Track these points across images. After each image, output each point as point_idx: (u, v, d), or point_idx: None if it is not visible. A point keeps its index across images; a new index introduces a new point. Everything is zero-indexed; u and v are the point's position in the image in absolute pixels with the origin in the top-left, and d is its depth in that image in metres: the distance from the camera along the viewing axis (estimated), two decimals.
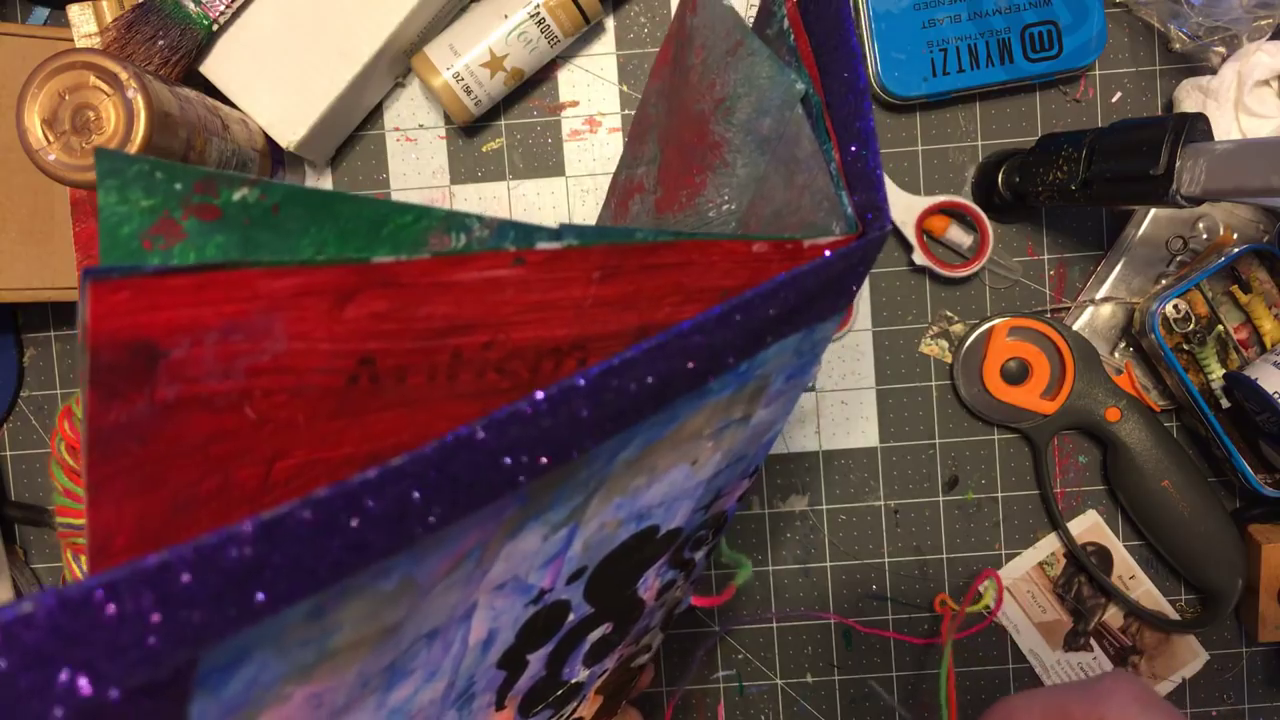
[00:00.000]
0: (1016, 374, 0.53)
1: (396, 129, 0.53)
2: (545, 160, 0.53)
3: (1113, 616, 0.55)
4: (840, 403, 0.54)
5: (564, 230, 0.19)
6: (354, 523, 0.14)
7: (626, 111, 0.53)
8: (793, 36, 0.27)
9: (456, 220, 0.19)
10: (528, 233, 0.19)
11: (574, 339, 0.21)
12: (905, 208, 0.52)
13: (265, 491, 0.18)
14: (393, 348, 0.18)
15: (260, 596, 0.14)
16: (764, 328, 0.22)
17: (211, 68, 0.47)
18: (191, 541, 0.13)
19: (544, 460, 0.18)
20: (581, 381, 0.17)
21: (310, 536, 0.14)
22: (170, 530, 0.16)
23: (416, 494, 0.15)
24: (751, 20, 0.33)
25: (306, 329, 0.16)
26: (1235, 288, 0.50)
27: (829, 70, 0.27)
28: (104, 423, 0.14)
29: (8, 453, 0.55)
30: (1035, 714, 0.28)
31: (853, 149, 0.24)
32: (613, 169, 0.53)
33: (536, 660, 0.29)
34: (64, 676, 0.12)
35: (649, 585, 0.32)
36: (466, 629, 0.23)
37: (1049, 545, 0.55)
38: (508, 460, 0.17)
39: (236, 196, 0.16)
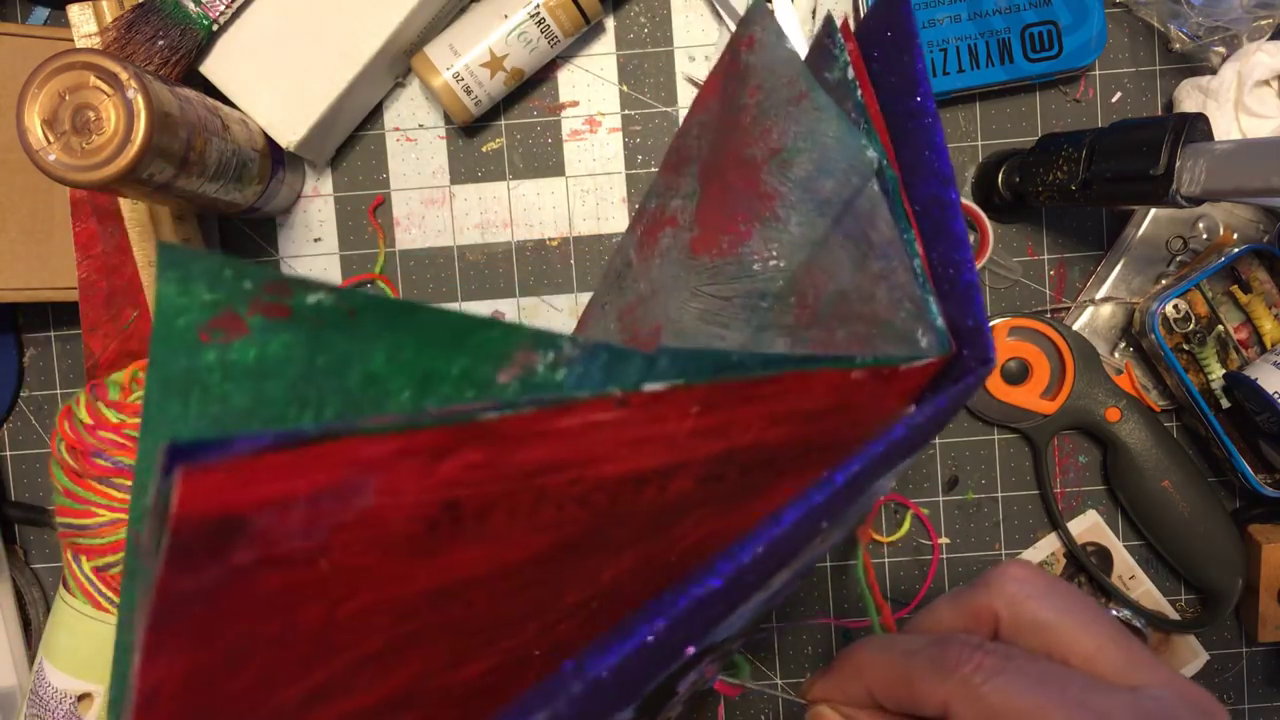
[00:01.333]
0: (1016, 374, 0.53)
1: (396, 129, 0.53)
2: (545, 160, 0.53)
3: None
4: None
5: (659, 356, 0.18)
6: None
7: (626, 111, 0.53)
8: (859, 90, 0.25)
9: (545, 339, 0.18)
10: (620, 357, 0.18)
11: (661, 468, 0.20)
12: None
13: (326, 631, 0.17)
14: (481, 493, 0.17)
15: None
16: (864, 488, 0.21)
17: (211, 68, 0.47)
18: None
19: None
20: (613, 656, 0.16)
21: None
22: (222, 675, 0.16)
23: None
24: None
25: (397, 485, 0.15)
26: (1235, 288, 0.50)
27: (903, 140, 0.24)
28: (173, 591, 0.13)
29: (8, 453, 0.55)
30: (880, 667, 0.26)
31: (941, 249, 0.22)
32: (613, 169, 0.53)
33: None
34: None
35: (688, 681, 0.32)
36: None
37: (1049, 545, 0.55)
38: None
39: (311, 300, 0.16)
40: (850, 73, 0.25)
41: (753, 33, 0.29)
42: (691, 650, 0.18)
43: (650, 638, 0.16)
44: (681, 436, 0.19)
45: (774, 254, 0.29)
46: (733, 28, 0.52)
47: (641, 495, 0.20)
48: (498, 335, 0.18)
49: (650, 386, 0.17)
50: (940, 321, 0.22)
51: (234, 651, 0.16)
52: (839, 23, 0.26)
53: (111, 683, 0.21)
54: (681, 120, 0.53)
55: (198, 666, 0.15)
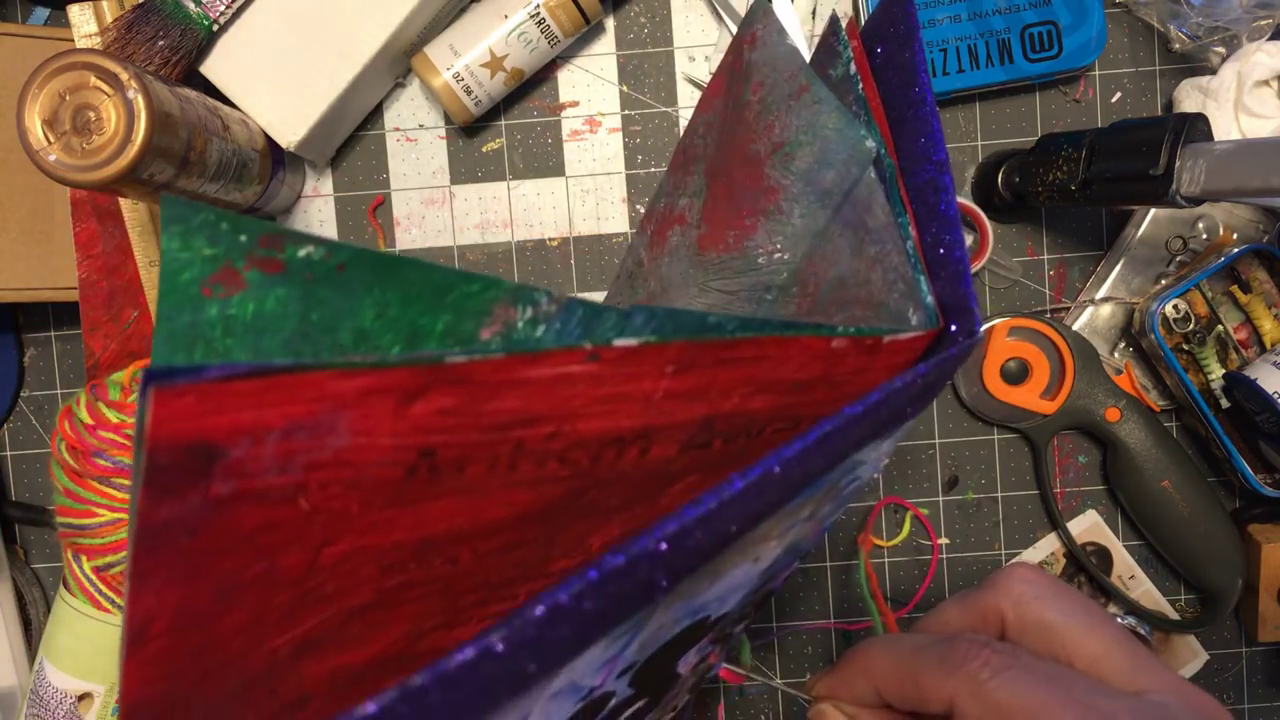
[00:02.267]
0: (1016, 374, 0.53)
1: (396, 129, 0.53)
2: (545, 160, 0.53)
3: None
4: None
5: (634, 312, 0.18)
6: None
7: (626, 111, 0.53)
8: (861, 84, 0.25)
9: (524, 294, 0.18)
10: (596, 313, 0.18)
11: (639, 429, 0.20)
12: None
13: (310, 575, 0.18)
14: (455, 440, 0.17)
15: None
16: (843, 453, 0.21)
17: (211, 68, 0.47)
18: None
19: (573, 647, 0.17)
20: (594, 574, 0.16)
21: None
22: (210, 615, 0.16)
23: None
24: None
25: (370, 425, 0.16)
26: (1235, 288, 0.50)
27: (901, 130, 0.25)
28: (154, 518, 0.14)
29: (8, 453, 0.55)
30: (887, 664, 0.26)
31: (933, 230, 0.23)
32: (613, 169, 0.53)
33: None
34: None
35: (688, 662, 0.32)
36: None
37: (1049, 545, 0.55)
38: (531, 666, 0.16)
39: (302, 253, 0.16)
40: (853, 68, 0.25)
41: (755, 30, 0.29)
42: (663, 584, 0.18)
43: (622, 559, 0.17)
44: (657, 397, 0.19)
45: (778, 247, 0.29)
46: (732, 28, 0.52)
47: (623, 458, 0.20)
48: (477, 289, 0.18)
49: (622, 342, 0.18)
50: (930, 299, 0.22)
51: (222, 591, 0.16)
52: (844, 23, 0.26)
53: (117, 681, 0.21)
54: (682, 120, 0.53)
55: (187, 602, 0.15)
